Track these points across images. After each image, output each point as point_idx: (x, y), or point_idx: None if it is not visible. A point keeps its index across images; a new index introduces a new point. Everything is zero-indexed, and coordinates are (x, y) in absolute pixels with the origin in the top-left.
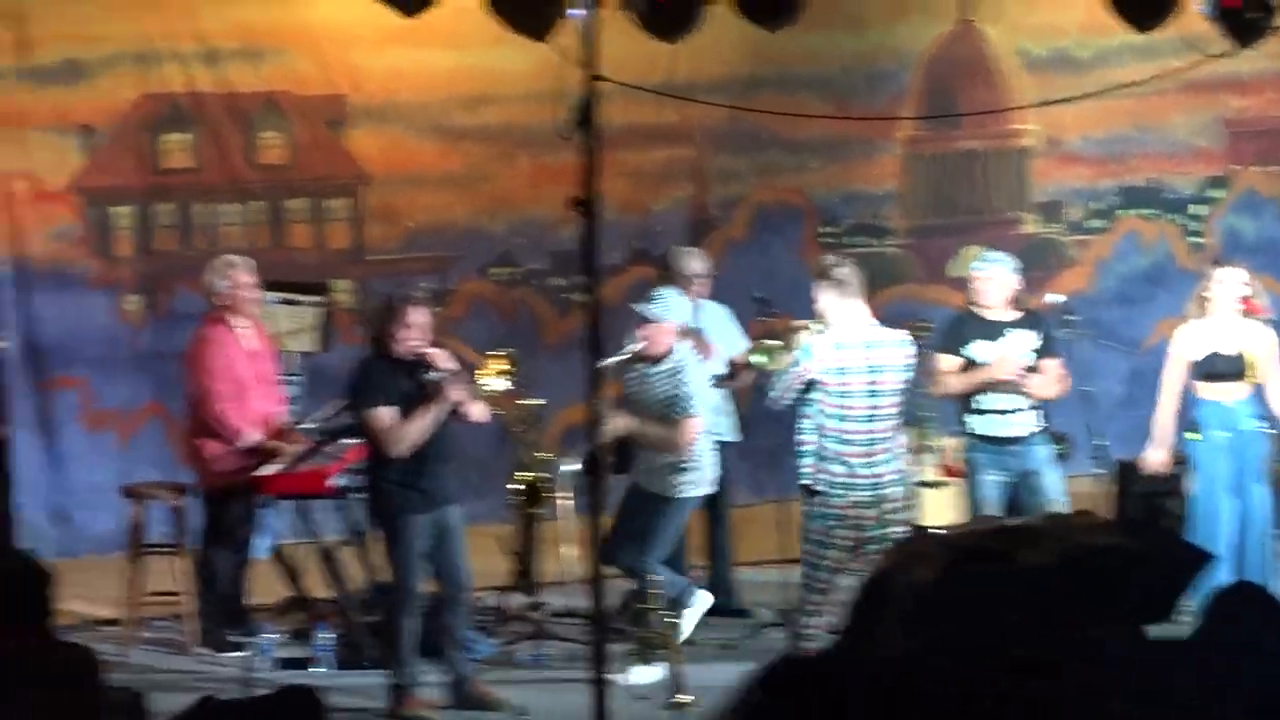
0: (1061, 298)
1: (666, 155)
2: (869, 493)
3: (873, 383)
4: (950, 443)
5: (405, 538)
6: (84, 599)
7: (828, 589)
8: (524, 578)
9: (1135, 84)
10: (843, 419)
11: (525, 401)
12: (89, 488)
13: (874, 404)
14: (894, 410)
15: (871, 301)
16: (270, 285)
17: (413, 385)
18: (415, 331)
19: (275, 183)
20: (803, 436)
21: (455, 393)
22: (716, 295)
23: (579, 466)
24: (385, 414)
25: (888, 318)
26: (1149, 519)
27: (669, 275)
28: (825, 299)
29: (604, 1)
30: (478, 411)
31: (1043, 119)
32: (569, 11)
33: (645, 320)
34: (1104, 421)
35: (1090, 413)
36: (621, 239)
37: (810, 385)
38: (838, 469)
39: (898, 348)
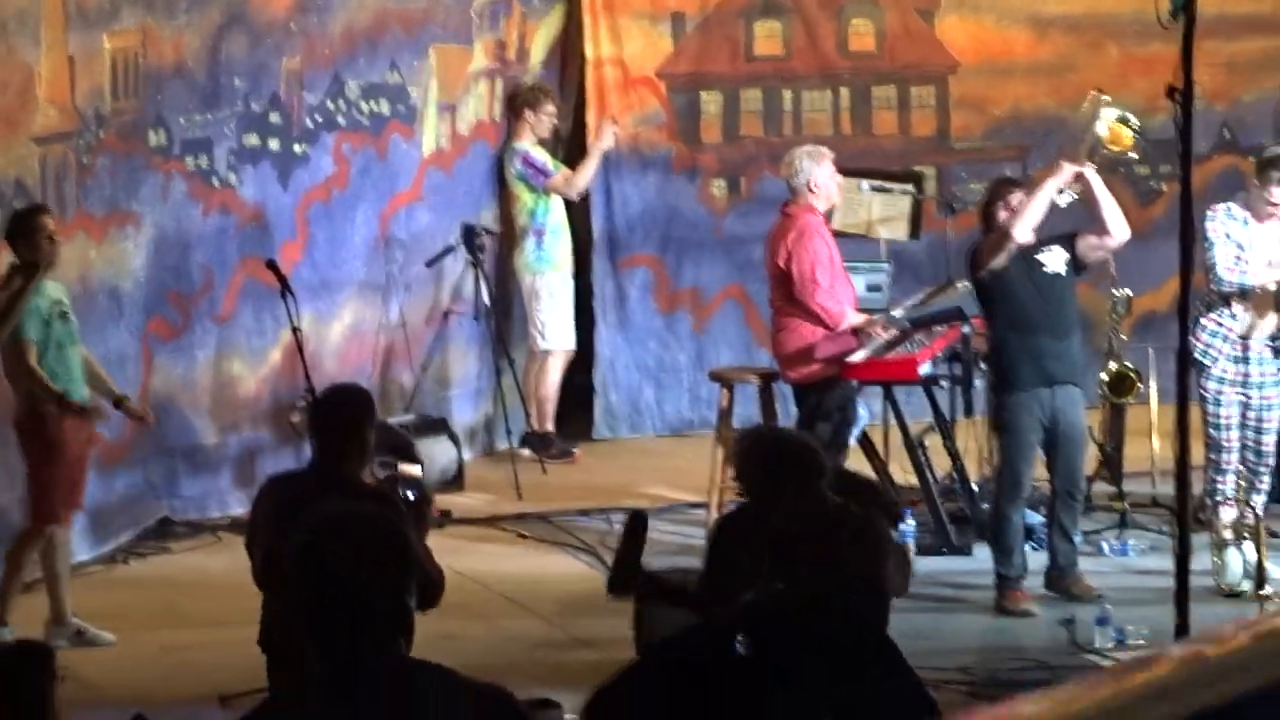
0: None
1: (1259, 45)
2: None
3: None
4: None
5: (1014, 419)
6: (666, 484)
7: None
8: (1110, 466)
9: None
10: None
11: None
12: (662, 366)
13: None
14: None
15: None
16: (862, 173)
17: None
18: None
19: (864, 70)
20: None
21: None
22: None
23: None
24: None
25: None
26: None
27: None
28: None
29: None
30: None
31: None
32: None
33: None
34: None
35: None
36: (1209, 128)
37: None
38: None
39: None
